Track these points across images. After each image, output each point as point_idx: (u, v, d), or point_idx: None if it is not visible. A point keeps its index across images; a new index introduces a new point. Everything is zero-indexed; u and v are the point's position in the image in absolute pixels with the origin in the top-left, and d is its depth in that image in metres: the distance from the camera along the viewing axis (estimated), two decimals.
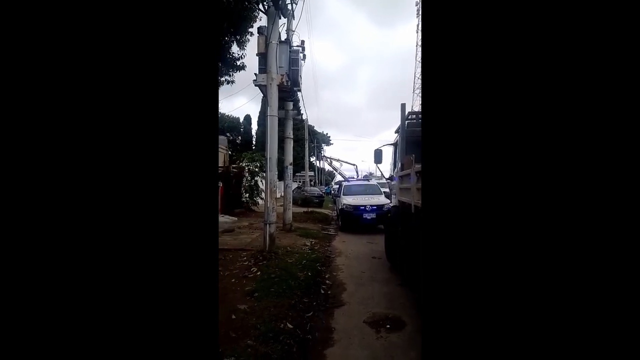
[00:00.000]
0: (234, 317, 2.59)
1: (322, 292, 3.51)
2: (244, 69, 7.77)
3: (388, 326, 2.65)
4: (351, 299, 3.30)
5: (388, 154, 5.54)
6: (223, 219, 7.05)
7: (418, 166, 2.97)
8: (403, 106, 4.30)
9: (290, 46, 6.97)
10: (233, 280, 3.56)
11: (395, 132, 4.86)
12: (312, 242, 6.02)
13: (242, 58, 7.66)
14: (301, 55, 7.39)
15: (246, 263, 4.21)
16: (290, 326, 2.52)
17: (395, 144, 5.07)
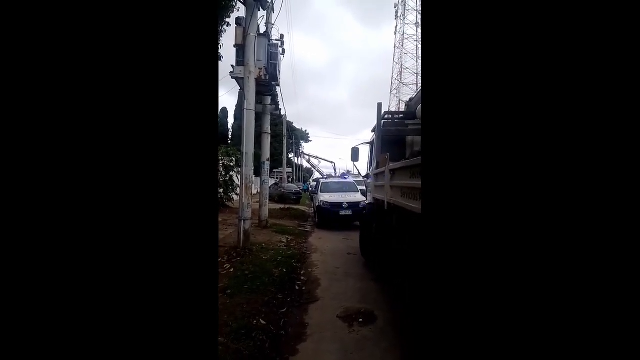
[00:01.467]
0: None
1: (297, 288, 3.52)
2: (220, 60, 7.52)
3: (360, 320, 2.72)
4: (325, 295, 3.33)
5: (365, 152, 5.65)
6: None
7: (392, 164, 3.05)
8: (379, 106, 4.38)
9: (269, 40, 6.83)
10: None
11: (372, 131, 4.96)
12: (288, 238, 6.00)
13: (219, 48, 7.42)
14: (280, 49, 7.28)
15: (219, 260, 4.11)
16: (264, 322, 2.50)
17: (371, 143, 5.17)
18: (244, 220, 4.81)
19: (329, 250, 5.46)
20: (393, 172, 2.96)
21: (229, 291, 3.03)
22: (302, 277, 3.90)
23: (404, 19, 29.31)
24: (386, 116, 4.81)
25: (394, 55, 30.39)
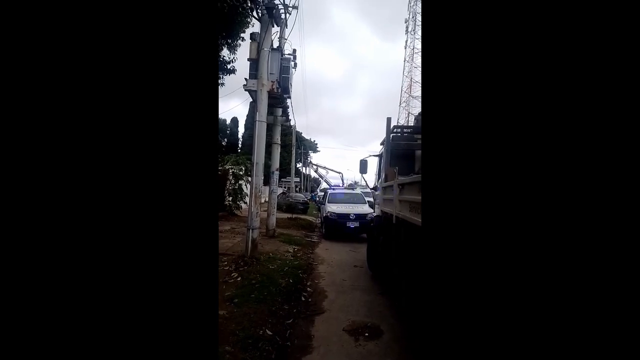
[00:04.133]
0: None
1: (303, 299, 3.52)
2: (234, 73, 7.78)
3: (366, 334, 2.70)
4: (331, 307, 3.33)
5: (373, 165, 5.69)
6: None
7: (401, 178, 3.08)
8: (389, 120, 4.45)
9: (282, 54, 7.07)
10: None
11: (381, 144, 5.01)
12: (295, 248, 6.01)
13: (232, 62, 7.68)
14: (292, 63, 7.50)
15: (227, 268, 4.15)
16: (270, 333, 2.52)
17: (380, 156, 5.21)
18: (252, 229, 4.87)
19: (335, 261, 5.45)
20: (402, 186, 2.99)
21: (236, 300, 3.06)
22: (309, 289, 3.90)
23: (414, 34, 29.81)
24: (395, 130, 4.87)
25: (404, 69, 30.77)
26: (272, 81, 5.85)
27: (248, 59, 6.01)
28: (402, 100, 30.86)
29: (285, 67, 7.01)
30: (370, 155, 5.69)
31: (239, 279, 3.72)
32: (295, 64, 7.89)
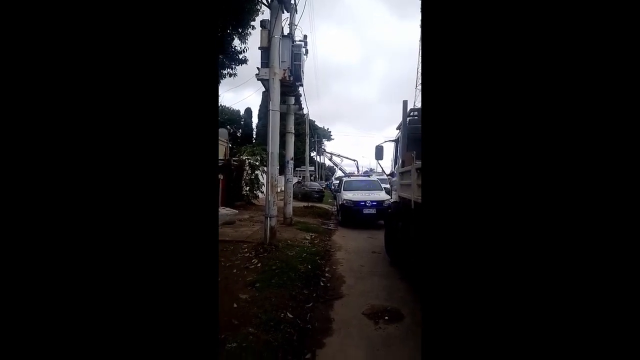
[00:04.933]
0: (235, 305, 2.66)
1: (322, 284, 3.58)
2: (246, 63, 7.77)
3: (386, 318, 2.72)
4: (350, 292, 3.37)
5: (389, 151, 5.58)
6: (224, 211, 7.10)
7: (418, 163, 3.01)
8: (405, 103, 4.32)
9: (293, 41, 6.95)
10: (235, 270, 3.63)
11: (397, 129, 4.89)
12: (312, 236, 6.09)
13: (244, 52, 7.66)
14: (303, 50, 7.38)
15: (247, 255, 4.28)
16: (291, 316, 2.59)
17: (396, 141, 5.10)
18: (270, 218, 4.96)
19: (352, 248, 5.48)
20: (420, 170, 2.92)
21: (257, 285, 3.16)
22: (327, 274, 3.96)
23: None
24: (412, 114, 4.73)
25: (419, 49, 29.57)
26: (283, 69, 5.80)
27: (259, 48, 5.96)
28: (419, 83, 29.80)
29: (296, 54, 6.91)
30: (386, 141, 5.59)
31: (259, 265, 3.83)
32: (307, 51, 7.76)
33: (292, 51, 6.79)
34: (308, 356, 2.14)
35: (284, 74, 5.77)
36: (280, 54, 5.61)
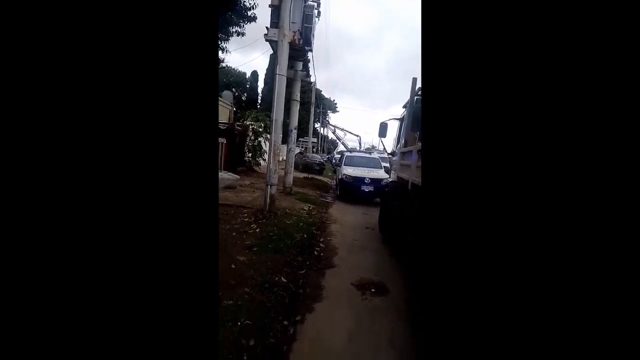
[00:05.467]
0: (233, 266, 2.82)
1: (316, 253, 3.75)
2: (254, 21, 7.34)
3: (373, 290, 2.90)
4: (342, 263, 3.54)
5: (393, 129, 5.51)
6: (226, 175, 7.16)
7: (420, 144, 3.00)
8: (414, 81, 4.17)
9: (305, 1, 6.52)
10: (234, 234, 3.77)
11: (403, 107, 4.78)
12: (310, 207, 6.23)
13: (253, 8, 7.20)
14: (315, 12, 6.94)
15: (247, 220, 4.42)
16: (285, 280, 2.76)
17: (401, 120, 5.01)
18: (271, 185, 5.03)
19: (348, 222, 5.64)
20: (420, 152, 2.93)
21: (255, 249, 3.31)
22: (321, 244, 4.12)
23: None
24: (420, 92, 4.60)
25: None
26: (293, 31, 5.51)
27: (269, 5, 5.61)
28: None
29: (308, 15, 6.52)
30: (391, 119, 5.48)
31: (257, 230, 3.97)
32: (319, 13, 7.32)
33: (304, 12, 6.40)
34: (298, 318, 2.32)
35: (294, 36, 5.50)
36: (291, 13, 5.29)
